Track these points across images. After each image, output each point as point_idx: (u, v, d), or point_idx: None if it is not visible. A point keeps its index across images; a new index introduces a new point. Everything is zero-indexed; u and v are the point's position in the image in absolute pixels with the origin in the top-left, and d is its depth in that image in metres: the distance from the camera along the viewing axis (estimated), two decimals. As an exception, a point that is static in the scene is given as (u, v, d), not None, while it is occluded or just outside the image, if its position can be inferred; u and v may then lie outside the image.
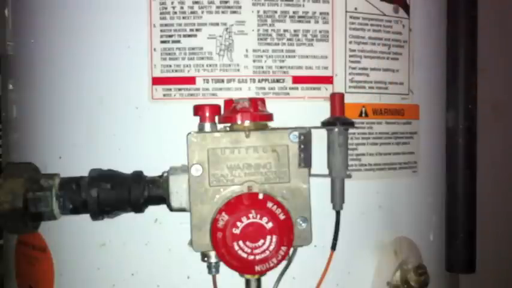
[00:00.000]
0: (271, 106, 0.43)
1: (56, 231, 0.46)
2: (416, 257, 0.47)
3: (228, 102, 0.41)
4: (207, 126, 0.41)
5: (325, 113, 0.42)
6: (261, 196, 0.39)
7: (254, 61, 0.43)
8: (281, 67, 0.44)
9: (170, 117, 0.44)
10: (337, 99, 0.42)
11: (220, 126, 0.42)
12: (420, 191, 0.51)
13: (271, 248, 0.39)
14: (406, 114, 0.49)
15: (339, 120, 0.41)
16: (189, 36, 0.43)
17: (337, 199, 0.42)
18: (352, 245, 0.46)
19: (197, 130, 0.41)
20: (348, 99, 0.44)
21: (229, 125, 0.41)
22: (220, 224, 0.39)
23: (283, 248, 0.39)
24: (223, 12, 0.43)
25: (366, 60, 0.46)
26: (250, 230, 0.39)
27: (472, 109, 0.55)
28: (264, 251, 0.39)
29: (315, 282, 0.43)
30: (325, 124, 0.42)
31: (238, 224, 0.39)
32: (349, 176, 0.42)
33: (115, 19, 0.44)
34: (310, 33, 0.44)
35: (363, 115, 0.46)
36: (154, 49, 0.43)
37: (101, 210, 0.41)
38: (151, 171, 0.42)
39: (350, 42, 0.45)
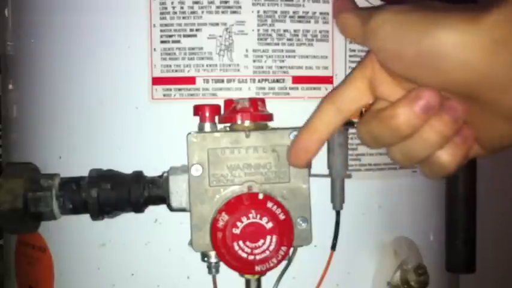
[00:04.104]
0: (271, 106, 0.43)
1: (56, 231, 0.46)
2: (416, 257, 0.47)
3: (228, 102, 0.42)
4: (207, 126, 0.41)
5: (325, 113, 0.42)
6: (261, 196, 0.39)
7: (254, 61, 0.43)
8: (281, 67, 0.44)
9: (170, 117, 0.44)
10: (337, 99, 0.42)
11: (220, 126, 0.42)
12: (420, 191, 0.51)
13: (271, 248, 0.39)
14: (406, 114, 0.49)
15: (339, 120, 0.41)
16: (189, 36, 0.43)
17: (337, 199, 0.42)
18: (352, 245, 0.46)
19: (197, 130, 0.41)
20: (348, 99, 0.44)
21: (229, 125, 0.41)
22: (220, 224, 0.39)
23: (283, 248, 0.39)
24: (223, 12, 0.43)
25: (366, 60, 0.46)
26: (250, 230, 0.39)
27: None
28: (264, 251, 0.39)
29: (315, 282, 0.43)
30: (325, 124, 0.42)
31: (238, 224, 0.39)
32: (349, 176, 0.42)
33: (115, 19, 0.44)
34: (310, 33, 0.44)
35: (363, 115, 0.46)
36: (154, 49, 0.43)
37: (101, 210, 0.41)
38: (151, 171, 0.42)
39: (350, 42, 0.45)
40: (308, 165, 0.41)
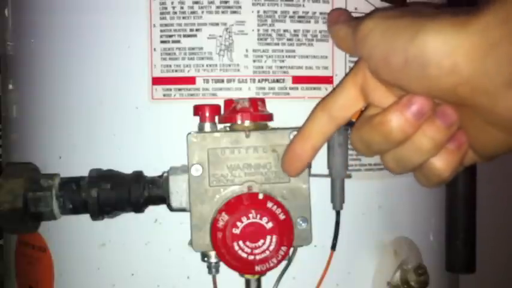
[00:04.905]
0: (271, 106, 0.43)
1: (56, 231, 0.46)
2: (416, 257, 0.47)
3: (228, 102, 0.42)
4: (207, 126, 0.41)
5: (325, 113, 0.42)
6: (261, 196, 0.39)
7: (254, 61, 0.43)
8: (281, 67, 0.44)
9: (170, 117, 0.44)
10: (337, 99, 0.42)
11: (220, 126, 0.42)
12: (420, 191, 0.51)
13: (271, 248, 0.39)
14: (406, 114, 0.49)
15: (339, 120, 0.41)
16: (189, 36, 0.43)
17: (337, 199, 0.42)
18: (352, 245, 0.46)
19: (197, 130, 0.41)
20: (348, 99, 0.44)
21: (229, 125, 0.41)
22: (220, 224, 0.39)
23: (283, 248, 0.39)
24: (223, 12, 0.43)
25: (366, 60, 0.46)
26: (250, 230, 0.39)
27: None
28: (264, 251, 0.39)
29: (315, 282, 0.43)
30: (325, 124, 0.42)
31: (238, 224, 0.39)
32: (349, 176, 0.42)
33: (115, 19, 0.44)
34: (310, 33, 0.44)
35: (363, 115, 0.46)
36: (154, 49, 0.43)
37: (101, 210, 0.41)
38: (151, 171, 0.42)
39: (350, 43, 0.45)
40: (307, 166, 0.41)
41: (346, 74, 0.38)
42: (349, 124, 0.42)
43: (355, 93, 0.37)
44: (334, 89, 0.39)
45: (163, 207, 0.42)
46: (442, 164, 0.34)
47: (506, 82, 0.28)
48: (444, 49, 0.29)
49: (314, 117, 0.38)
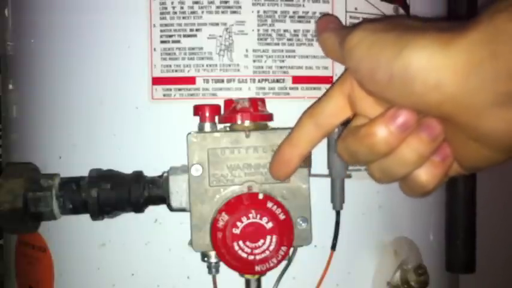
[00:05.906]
0: (271, 106, 0.43)
1: (56, 231, 0.46)
2: (417, 257, 0.47)
3: (228, 102, 0.42)
4: (207, 126, 0.41)
5: (325, 113, 0.42)
6: (261, 196, 0.39)
7: (254, 61, 0.43)
8: (281, 67, 0.44)
9: (170, 117, 0.44)
10: (337, 99, 0.42)
11: (220, 126, 0.42)
12: (420, 191, 0.51)
13: (271, 248, 0.39)
14: (406, 114, 0.49)
15: (339, 120, 0.41)
16: (189, 36, 0.43)
17: (337, 199, 0.42)
18: (352, 245, 0.46)
19: (197, 130, 0.41)
20: (348, 99, 0.44)
21: (229, 125, 0.41)
22: (220, 224, 0.39)
23: (283, 248, 0.39)
24: (223, 12, 0.43)
25: (366, 60, 0.46)
26: (250, 230, 0.39)
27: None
28: (264, 251, 0.39)
29: (315, 282, 0.43)
30: (325, 124, 0.42)
31: (238, 224, 0.39)
32: (349, 176, 0.42)
33: (115, 19, 0.44)
34: (310, 33, 0.44)
35: (363, 115, 0.46)
36: (154, 49, 0.43)
37: (101, 210, 0.41)
38: (151, 171, 0.42)
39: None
40: (308, 165, 0.41)
41: (333, 83, 0.37)
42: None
43: (342, 102, 0.36)
44: (321, 96, 0.39)
45: (163, 207, 0.42)
46: (426, 176, 0.34)
47: (490, 101, 0.28)
48: (429, 66, 0.29)
49: (301, 125, 0.38)
